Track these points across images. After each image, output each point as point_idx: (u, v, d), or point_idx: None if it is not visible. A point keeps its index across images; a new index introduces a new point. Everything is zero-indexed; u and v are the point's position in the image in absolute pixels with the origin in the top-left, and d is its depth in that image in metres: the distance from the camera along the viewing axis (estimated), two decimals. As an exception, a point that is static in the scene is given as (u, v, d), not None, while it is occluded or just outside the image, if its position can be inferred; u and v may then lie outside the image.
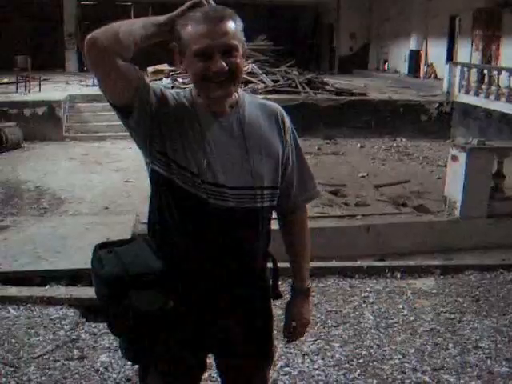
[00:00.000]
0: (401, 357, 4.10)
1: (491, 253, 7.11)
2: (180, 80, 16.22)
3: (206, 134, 1.92)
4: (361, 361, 4.03)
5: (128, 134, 1.94)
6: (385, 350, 4.19)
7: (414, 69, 22.28)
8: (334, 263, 6.05)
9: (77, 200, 8.25)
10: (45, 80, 16.51)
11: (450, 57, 20.09)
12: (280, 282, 2.26)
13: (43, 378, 3.69)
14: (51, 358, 3.92)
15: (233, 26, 1.85)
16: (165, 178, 1.93)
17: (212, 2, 1.90)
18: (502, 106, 13.83)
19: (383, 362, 4.02)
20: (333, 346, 4.23)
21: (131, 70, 1.80)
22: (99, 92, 1.93)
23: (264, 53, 18.92)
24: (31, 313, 4.56)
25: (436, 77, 20.87)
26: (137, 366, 2.35)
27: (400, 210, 8.15)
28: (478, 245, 7.41)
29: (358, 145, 13.98)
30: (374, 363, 4.01)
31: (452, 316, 4.83)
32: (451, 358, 4.10)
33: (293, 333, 2.27)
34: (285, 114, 2.12)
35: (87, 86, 16.18)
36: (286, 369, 3.88)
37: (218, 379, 2.45)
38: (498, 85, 14.41)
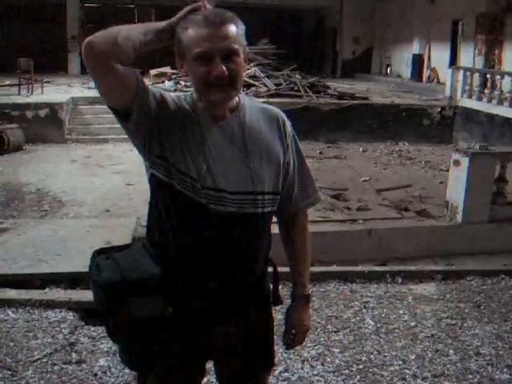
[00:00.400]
0: (401, 363, 4.08)
1: (493, 258, 7.09)
2: (182, 83, 16.23)
3: (206, 138, 1.91)
4: (361, 367, 4.01)
5: None
6: (385, 356, 4.17)
7: (416, 73, 22.29)
8: (334, 268, 6.03)
9: (78, 203, 8.24)
10: (47, 82, 16.52)
11: (453, 61, 20.09)
12: (280, 287, 2.24)
13: (41, 382, 3.67)
14: (49, 362, 3.90)
15: (234, 29, 1.83)
16: (164, 183, 1.91)
17: (209, 6, 1.88)
18: (504, 111, 13.82)
19: (383, 368, 4.00)
20: (333, 351, 4.21)
21: (129, 74, 1.78)
22: (101, 94, 1.91)
23: (266, 56, 18.94)
24: (30, 316, 4.54)
25: (439, 81, 20.87)
26: (135, 371, 2.33)
27: (402, 214, 8.12)
28: (479, 250, 7.38)
29: (361, 149, 13.97)
30: (374, 369, 3.98)
31: (453, 322, 4.81)
32: (452, 365, 4.08)
33: (293, 339, 2.25)
34: (286, 118, 2.11)
35: (89, 88, 16.16)
36: (286, 374, 3.86)
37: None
38: (501, 89, 14.41)
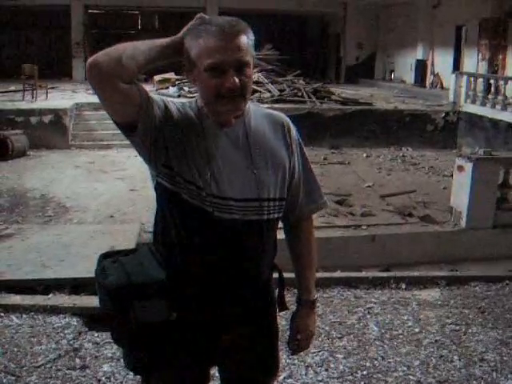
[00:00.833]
0: (405, 369, 4.07)
1: (497, 264, 7.08)
2: (186, 89, 16.26)
3: (211, 145, 1.90)
4: (365, 373, 4.00)
5: None
6: (389, 362, 4.16)
7: (420, 78, 22.27)
8: (338, 273, 6.03)
9: (82, 208, 8.25)
10: (52, 88, 16.56)
11: (457, 66, 20.07)
12: (286, 292, 2.24)
13: (45, 388, 3.68)
14: (53, 367, 3.91)
15: (246, 41, 1.82)
16: (170, 191, 1.91)
17: (206, 17, 1.85)
18: (508, 116, 13.80)
19: (387, 374, 3.99)
20: (337, 357, 4.20)
21: (133, 89, 1.77)
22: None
23: (270, 62, 18.94)
24: (34, 321, 4.55)
25: (442, 86, 20.86)
26: (139, 377, 2.33)
27: (406, 220, 8.12)
28: (484, 255, 7.37)
29: (364, 154, 13.96)
30: (378, 375, 3.97)
31: (457, 328, 4.79)
32: (456, 371, 4.07)
33: (298, 344, 2.24)
34: (291, 123, 2.10)
35: (94, 94, 16.19)
36: (289, 380, 3.86)
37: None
38: (505, 95, 14.38)
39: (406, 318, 4.97)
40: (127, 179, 10.14)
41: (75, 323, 4.53)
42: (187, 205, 1.89)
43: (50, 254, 5.78)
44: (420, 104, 17.06)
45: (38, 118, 13.18)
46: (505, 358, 4.27)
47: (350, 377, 3.94)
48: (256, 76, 16.34)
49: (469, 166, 7.47)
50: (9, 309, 4.68)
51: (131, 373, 3.37)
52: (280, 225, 2.15)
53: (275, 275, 2.17)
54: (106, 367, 3.93)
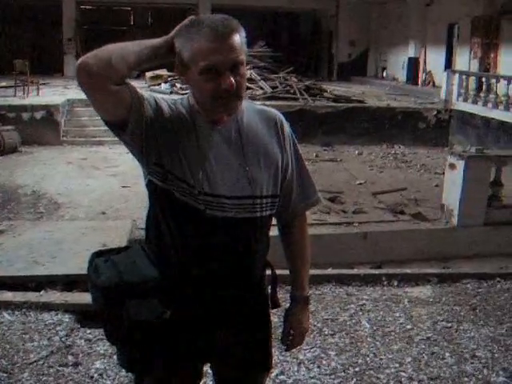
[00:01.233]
0: (397, 366, 4.08)
1: (488, 261, 7.11)
2: (178, 85, 16.23)
3: (203, 143, 1.89)
4: (357, 369, 4.01)
5: None
6: (381, 359, 4.17)
7: (412, 76, 22.34)
8: (330, 271, 6.03)
9: (74, 205, 8.23)
10: (43, 84, 16.48)
11: (449, 64, 20.14)
12: (278, 289, 2.24)
13: (37, 385, 3.67)
14: (45, 364, 3.89)
15: (239, 40, 1.79)
16: (162, 189, 1.90)
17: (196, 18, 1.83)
18: (500, 114, 13.86)
19: (379, 371, 4.00)
20: (329, 354, 4.21)
21: (124, 90, 1.75)
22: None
23: (263, 59, 18.96)
24: (26, 318, 4.52)
25: (434, 84, 20.93)
26: (132, 374, 2.33)
27: (397, 217, 8.14)
28: (475, 253, 7.41)
29: (356, 152, 13.99)
30: (370, 372, 3.98)
31: (449, 325, 4.81)
32: (448, 368, 4.08)
33: (291, 341, 2.25)
34: (284, 119, 2.09)
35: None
36: (282, 377, 3.86)
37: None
38: (496, 93, 14.44)
39: (397, 314, 4.98)
40: (119, 176, 10.12)
41: (67, 320, 4.52)
42: (179, 203, 1.88)
43: (41, 251, 5.75)
44: (412, 102, 17.11)
45: (29, 114, 13.15)
46: (496, 355, 4.28)
47: (342, 373, 3.95)
48: (248, 73, 16.32)
49: (460, 164, 7.50)
50: (0, 305, 4.65)
51: (124, 370, 3.38)
52: (273, 221, 2.15)
53: (268, 272, 2.17)
54: (98, 364, 3.92)
